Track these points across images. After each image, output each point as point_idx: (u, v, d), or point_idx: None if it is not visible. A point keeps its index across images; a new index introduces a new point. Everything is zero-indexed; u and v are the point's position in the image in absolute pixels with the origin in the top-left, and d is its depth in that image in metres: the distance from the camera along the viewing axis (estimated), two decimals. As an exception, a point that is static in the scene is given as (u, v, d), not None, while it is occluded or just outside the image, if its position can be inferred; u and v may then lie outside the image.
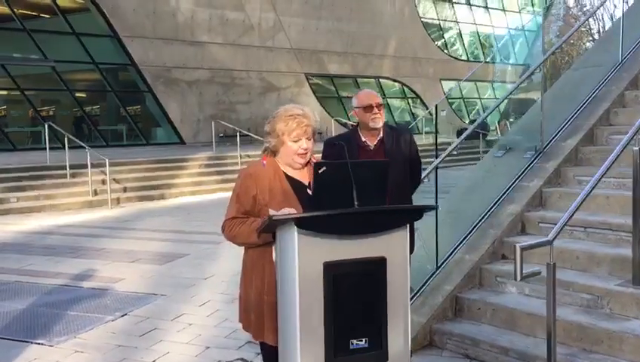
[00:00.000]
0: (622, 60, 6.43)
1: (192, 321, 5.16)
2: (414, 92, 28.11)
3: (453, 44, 31.01)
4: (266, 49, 23.41)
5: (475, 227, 5.05)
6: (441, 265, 4.82)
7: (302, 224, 2.41)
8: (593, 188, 3.75)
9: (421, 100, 28.23)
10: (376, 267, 2.56)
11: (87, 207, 11.97)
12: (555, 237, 3.46)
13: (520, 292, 4.53)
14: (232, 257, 7.43)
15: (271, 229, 2.66)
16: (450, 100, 29.51)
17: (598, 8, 9.27)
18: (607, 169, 3.84)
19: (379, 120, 3.70)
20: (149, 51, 20.38)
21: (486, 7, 32.03)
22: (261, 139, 17.28)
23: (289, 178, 2.88)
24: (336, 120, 22.90)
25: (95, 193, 12.39)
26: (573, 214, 3.62)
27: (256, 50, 23.09)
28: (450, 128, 22.94)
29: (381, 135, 3.75)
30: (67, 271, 6.81)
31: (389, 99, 27.77)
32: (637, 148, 3.96)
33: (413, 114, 28.71)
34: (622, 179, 5.03)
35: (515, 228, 5.04)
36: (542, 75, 5.64)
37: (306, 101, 24.59)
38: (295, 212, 2.71)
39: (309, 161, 2.93)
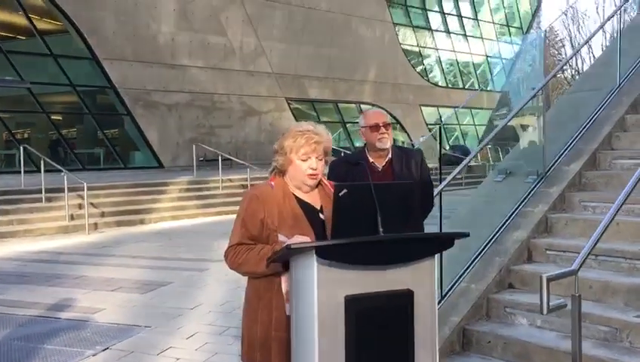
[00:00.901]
0: (620, 84, 6.34)
1: (180, 355, 4.81)
2: (395, 118, 28.09)
3: (433, 71, 31.25)
4: (247, 73, 23.25)
5: (479, 254, 4.83)
6: (445, 295, 4.57)
7: (323, 253, 2.15)
8: (614, 216, 3.55)
9: (401, 126, 28.26)
10: (403, 301, 2.30)
11: (62, 233, 11.50)
12: (580, 267, 3.22)
13: (531, 324, 4.30)
14: (219, 285, 7.10)
15: (284, 258, 2.39)
16: (429, 126, 29.61)
17: (594, 35, 9.28)
18: (627, 196, 3.64)
19: (386, 140, 3.49)
20: (128, 74, 20.05)
21: (464, 35, 32.41)
22: (241, 162, 17.09)
23: (299, 201, 2.62)
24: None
25: (72, 218, 11.93)
26: (596, 243, 3.42)
27: (237, 74, 22.91)
28: (431, 153, 22.92)
29: (389, 156, 3.52)
30: (43, 301, 6.40)
31: (369, 125, 27.73)
32: (654, 172, 3.78)
33: (393, 139, 28.66)
34: (631, 204, 4.84)
35: (521, 255, 4.83)
36: (543, 99, 5.49)
37: (287, 126, 24.08)
38: (308, 238, 2.45)
39: (320, 183, 2.68)
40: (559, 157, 5.63)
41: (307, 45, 24.63)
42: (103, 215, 12.55)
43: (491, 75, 33.66)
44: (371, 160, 3.53)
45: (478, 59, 33.25)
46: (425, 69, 30.54)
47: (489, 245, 4.90)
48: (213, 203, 14.48)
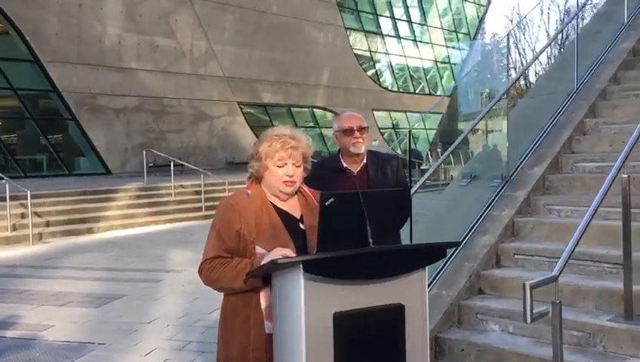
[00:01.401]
0: (577, 88, 6.42)
1: (139, 374, 4.55)
2: (347, 122, 28.17)
3: (384, 76, 31.47)
4: (198, 77, 22.80)
5: (449, 260, 4.75)
6: (416, 303, 4.46)
7: (311, 268, 1.98)
8: (591, 219, 3.51)
9: (354, 130, 28.29)
10: (394, 316, 2.16)
11: (4, 244, 10.91)
12: (561, 273, 3.16)
13: (503, 331, 4.24)
14: (176, 297, 6.82)
15: (266, 273, 2.21)
16: (381, 130, 29.81)
17: (554, 39, 9.41)
18: (602, 199, 3.62)
19: (361, 145, 3.35)
20: (72, 77, 19.33)
21: (414, 41, 32.80)
22: (194, 168, 16.71)
23: (278, 210, 2.45)
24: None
25: (14, 228, 11.33)
26: (574, 248, 3.35)
27: (187, 77, 22.43)
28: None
29: (365, 161, 3.38)
30: (-14, 319, 5.99)
31: (322, 129, 27.69)
32: (626, 175, 3.78)
33: (346, 144, 28.70)
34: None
35: (490, 260, 4.78)
36: (506, 103, 5.48)
37: (239, 131, 24.11)
38: (289, 251, 2.29)
39: (300, 191, 2.52)
40: (522, 161, 5.63)
41: (259, 49, 24.38)
42: (47, 224, 11.98)
43: (441, 79, 34.17)
44: (345, 165, 3.38)
45: (428, 64, 33.71)
46: (377, 73, 30.73)
47: (458, 250, 4.83)
48: (166, 210, 14.08)
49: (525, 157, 5.65)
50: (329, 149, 27.24)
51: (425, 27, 33.39)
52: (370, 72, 29.91)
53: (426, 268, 2.23)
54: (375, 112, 29.30)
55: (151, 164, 18.50)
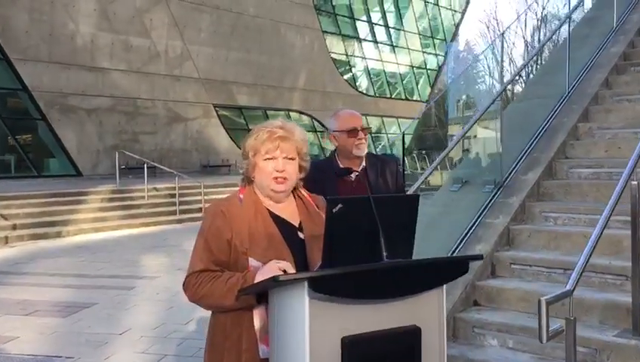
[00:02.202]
0: (569, 92, 6.27)
1: (110, 392, 4.21)
2: (324, 126, 27.94)
3: (361, 80, 31.33)
4: (173, 78, 22.36)
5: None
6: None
7: (318, 286, 1.70)
8: (604, 228, 3.29)
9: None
10: (409, 340, 1.89)
11: (-32, 248, 10.39)
12: (575, 287, 2.93)
13: (502, 346, 4.00)
14: (150, 305, 6.47)
15: (261, 290, 1.93)
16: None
17: (544, 45, 9.29)
18: (614, 207, 3.41)
19: (364, 147, 3.10)
20: (43, 76, 18.75)
21: (391, 45, 32.75)
22: (169, 170, 16.26)
23: (274, 216, 2.16)
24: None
25: (-22, 231, 10.81)
26: (588, 260, 3.12)
27: (162, 78, 21.97)
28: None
29: (364, 164, 3.11)
30: (-57, 330, 5.56)
31: (298, 133, 27.40)
32: (635, 182, 3.58)
33: (322, 148, 28.47)
34: (593, 215, 4.69)
35: (485, 270, 4.55)
36: (500, 106, 5.28)
37: (214, 133, 23.70)
38: (288, 264, 2.00)
39: (297, 193, 2.24)
40: (515, 166, 5.43)
41: (235, 50, 24.02)
42: (14, 227, 11.47)
43: (417, 85, 34.17)
44: (343, 167, 3.11)
45: (404, 69, 33.68)
46: (353, 77, 30.58)
47: (451, 259, 4.59)
48: (139, 213, 13.62)
49: (518, 163, 5.46)
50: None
51: (401, 32, 33.37)
52: (346, 76, 29.75)
53: (444, 285, 1.97)
54: (352, 117, 29.10)
55: (123, 166, 18.00)
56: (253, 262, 2.06)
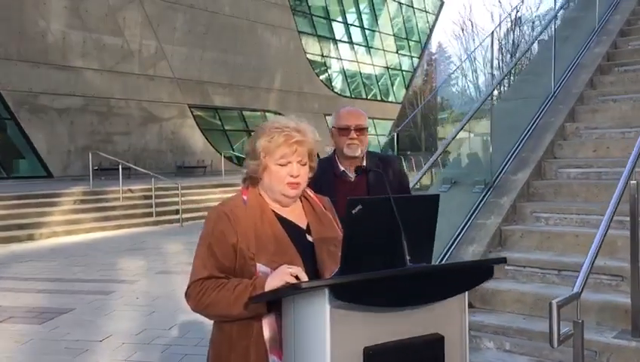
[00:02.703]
0: (554, 92, 6.26)
1: (93, 403, 4.02)
2: (300, 127, 27.81)
3: (337, 81, 31.30)
4: (147, 77, 21.99)
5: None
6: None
7: (341, 293, 1.58)
8: (607, 230, 3.24)
9: (306, 135, 27.96)
10: (433, 350, 1.79)
11: None
12: (582, 290, 2.87)
13: (499, 348, 3.94)
14: (130, 310, 6.26)
15: (275, 298, 1.80)
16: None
17: (533, 43, 9.32)
18: (616, 207, 3.36)
19: (356, 147, 2.95)
20: (12, 74, 18.25)
21: (367, 47, 32.78)
22: (145, 171, 15.96)
23: (280, 219, 2.03)
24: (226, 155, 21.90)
25: (-54, 235, 10.42)
26: (594, 261, 3.06)
27: (135, 78, 21.60)
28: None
29: (364, 163, 3.00)
30: None
31: (274, 134, 27.21)
32: (634, 181, 3.54)
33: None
34: (584, 215, 4.68)
35: (479, 271, 4.48)
36: (491, 106, 5.23)
37: (189, 134, 23.39)
38: (299, 270, 1.88)
39: (304, 196, 2.12)
40: (505, 166, 5.39)
41: (211, 50, 23.75)
42: (-17, 231, 11.10)
43: (392, 86, 34.27)
44: (342, 167, 2.99)
45: (380, 71, 33.74)
46: (329, 78, 30.51)
47: (443, 261, 4.52)
48: (113, 215, 13.32)
49: (507, 163, 5.42)
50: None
51: (377, 33, 33.43)
52: (322, 77, 29.67)
53: (466, 292, 1.87)
54: (327, 117, 29.05)
55: (96, 168, 17.63)
56: (261, 267, 1.93)
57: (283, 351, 1.81)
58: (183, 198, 13.85)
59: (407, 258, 1.75)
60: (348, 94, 30.91)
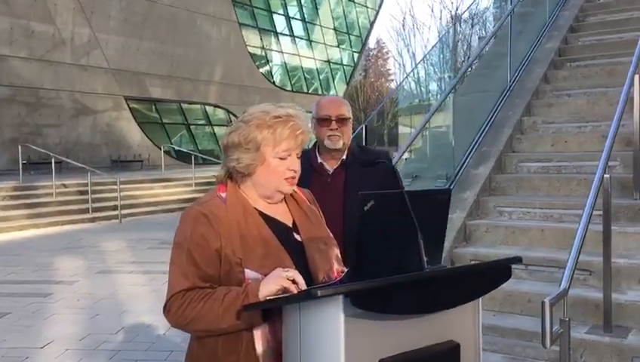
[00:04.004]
0: (510, 86, 6.26)
1: (37, 418, 3.66)
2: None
3: (278, 74, 30.98)
4: (80, 67, 21.01)
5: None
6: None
7: (361, 301, 1.39)
8: (587, 225, 3.17)
9: (248, 129, 27.50)
10: (448, 359, 1.62)
11: None
12: (569, 286, 2.78)
13: (471, 346, 3.83)
14: (71, 314, 5.86)
15: (272, 306, 1.58)
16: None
17: (492, 36, 9.33)
18: (594, 202, 3.30)
19: (337, 139, 2.71)
20: None
21: (308, 40, 32.61)
22: (78, 165, 15.18)
23: (265, 218, 1.81)
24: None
25: None
26: (578, 257, 2.99)
27: (68, 67, 20.59)
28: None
29: (343, 158, 2.79)
30: None
31: (214, 127, 26.67)
32: (608, 175, 3.51)
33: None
34: (547, 209, 4.66)
35: (446, 267, 4.38)
36: (452, 101, 5.16)
37: (125, 127, 22.55)
38: (296, 273, 1.66)
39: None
40: (466, 160, 5.33)
41: (148, 40, 22.94)
42: None
43: (333, 80, 34.25)
44: (320, 160, 2.78)
45: (321, 65, 33.65)
46: (270, 71, 30.15)
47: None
48: (46, 212, 12.60)
49: (468, 156, 5.36)
50: (221, 149, 26.23)
51: (318, 27, 33.31)
52: (263, 70, 29.28)
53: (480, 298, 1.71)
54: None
55: (24, 161, 16.67)
56: (250, 273, 1.70)
57: (275, 366, 1.59)
58: (122, 193, 13.27)
59: (425, 259, 1.57)
60: (289, 88, 30.65)
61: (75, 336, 5.16)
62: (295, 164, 1.78)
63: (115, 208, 13.09)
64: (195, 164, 18.41)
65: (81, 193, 13.68)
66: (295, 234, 1.85)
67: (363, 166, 2.54)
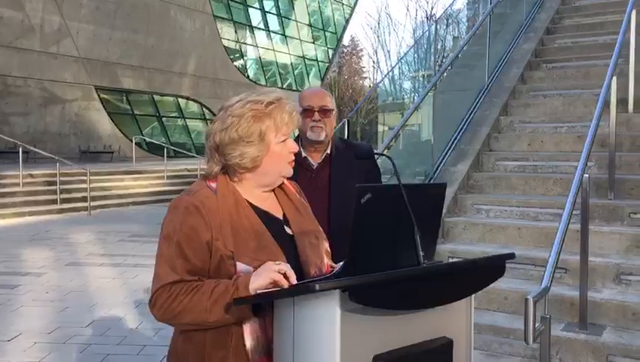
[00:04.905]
0: (488, 86, 6.31)
1: (4, 413, 3.55)
2: (214, 113, 27.07)
3: (252, 68, 30.77)
4: (49, 55, 20.55)
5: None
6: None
7: (360, 295, 1.36)
8: (568, 224, 3.20)
9: (221, 123, 27.24)
10: (442, 355, 1.60)
11: None
12: (551, 284, 2.80)
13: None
14: (39, 306, 5.72)
15: (265, 300, 1.55)
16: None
17: (473, 34, 9.32)
18: (574, 201, 3.33)
19: (320, 131, 2.68)
20: None
21: (283, 35, 32.47)
22: (46, 155, 14.80)
23: (255, 209, 1.76)
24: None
25: None
26: (559, 254, 3.01)
27: (37, 55, 20.12)
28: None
29: (328, 151, 2.76)
30: None
31: (187, 120, 26.38)
32: (587, 175, 3.55)
33: (212, 136, 27.58)
34: (524, 208, 4.71)
35: (424, 264, 4.39)
36: (432, 99, 5.17)
37: (95, 117, 22.15)
38: (288, 267, 1.62)
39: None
40: (444, 158, 5.35)
41: (120, 30, 22.54)
42: None
43: (308, 76, 34.18)
44: (304, 154, 2.74)
45: (296, 60, 33.54)
46: (245, 65, 29.93)
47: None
48: (12, 202, 12.28)
49: (446, 154, 5.38)
50: (193, 142, 26.00)
51: (293, 22, 33.18)
52: (238, 64, 29.04)
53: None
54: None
55: (-12, 150, 16.26)
56: (241, 266, 1.65)
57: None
58: (92, 185, 13.02)
59: (421, 254, 1.55)
60: (263, 82, 30.46)
61: (43, 329, 5.03)
62: (293, 145, 1.76)
63: (84, 200, 12.84)
64: (167, 156, 18.19)
65: (49, 183, 13.38)
66: (286, 227, 1.81)
67: (357, 159, 2.50)
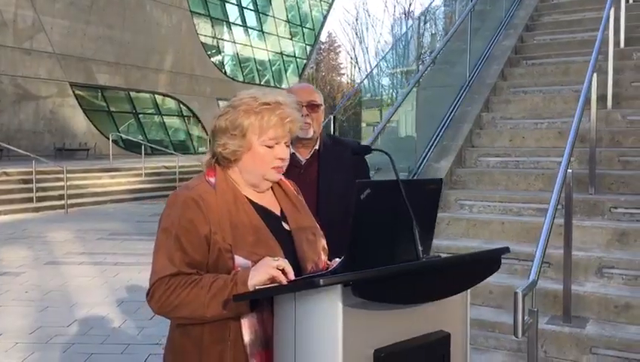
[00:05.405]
0: (469, 82, 6.36)
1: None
2: (191, 110, 26.90)
3: (230, 65, 30.60)
4: (23, 51, 20.20)
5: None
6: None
7: (363, 290, 1.36)
8: (553, 218, 3.24)
9: (198, 119, 27.13)
10: (440, 348, 1.62)
11: None
12: (538, 277, 2.84)
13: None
14: (19, 305, 5.63)
15: (265, 295, 1.54)
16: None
17: (455, 30, 9.24)
18: (559, 196, 3.38)
19: (309, 128, 2.67)
20: None
21: (261, 31, 32.32)
22: (21, 153, 14.61)
23: (254, 205, 1.77)
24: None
25: None
26: (545, 249, 3.05)
27: (10, 51, 19.76)
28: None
29: (316, 147, 2.76)
30: None
31: (164, 117, 26.13)
32: (571, 170, 3.60)
33: (189, 133, 27.43)
34: (507, 203, 4.76)
35: (409, 260, 4.42)
36: (416, 93, 5.19)
37: (70, 114, 21.82)
38: (286, 262, 1.63)
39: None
40: (427, 154, 5.39)
41: (95, 25, 22.23)
42: None
43: (286, 72, 34.10)
44: (292, 150, 2.72)
45: (273, 56, 33.43)
46: (222, 62, 29.74)
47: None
48: (-13, 201, 12.06)
49: (429, 150, 5.41)
50: (171, 139, 25.78)
51: (271, 18, 33.05)
52: (215, 60, 28.85)
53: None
54: (220, 102, 28.33)
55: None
56: (239, 260, 1.66)
57: (276, 357, 1.55)
58: (69, 183, 12.83)
59: (420, 248, 1.56)
60: (240, 79, 30.32)
61: (24, 329, 4.95)
62: (283, 153, 1.75)
63: (60, 198, 12.64)
64: (144, 154, 18.00)
65: (25, 182, 13.15)
66: (283, 223, 1.81)
67: (354, 155, 2.51)
